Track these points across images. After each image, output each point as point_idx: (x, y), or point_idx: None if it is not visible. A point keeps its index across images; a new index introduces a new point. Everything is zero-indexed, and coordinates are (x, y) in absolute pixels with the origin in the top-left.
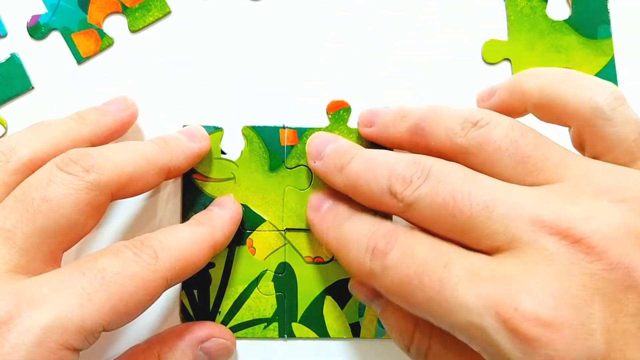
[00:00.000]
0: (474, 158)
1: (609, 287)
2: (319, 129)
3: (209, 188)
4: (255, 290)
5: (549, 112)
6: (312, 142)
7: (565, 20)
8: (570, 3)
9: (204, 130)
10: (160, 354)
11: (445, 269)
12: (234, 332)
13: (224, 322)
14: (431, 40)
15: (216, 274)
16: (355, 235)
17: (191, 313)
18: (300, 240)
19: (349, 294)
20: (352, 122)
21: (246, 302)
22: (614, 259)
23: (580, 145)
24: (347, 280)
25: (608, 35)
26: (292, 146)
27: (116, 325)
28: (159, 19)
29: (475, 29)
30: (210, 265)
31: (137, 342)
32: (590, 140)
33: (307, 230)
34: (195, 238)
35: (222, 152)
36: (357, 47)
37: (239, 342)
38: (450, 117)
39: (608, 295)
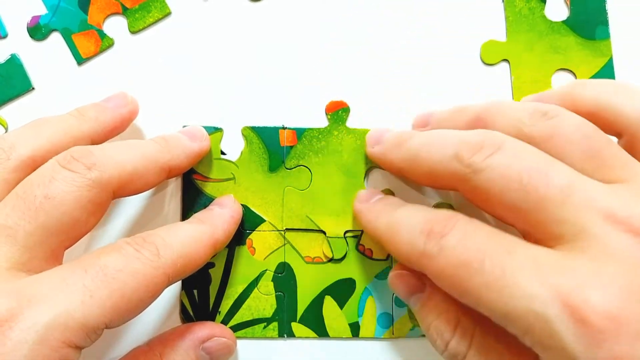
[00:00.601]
0: (543, 146)
1: None
2: (318, 129)
3: (208, 188)
4: (255, 290)
5: (602, 121)
6: (371, 132)
7: (563, 21)
8: (569, 4)
9: (204, 130)
10: (162, 355)
11: (508, 255)
12: (234, 332)
13: (224, 322)
14: (430, 40)
15: (216, 274)
16: (409, 219)
17: (191, 313)
18: (299, 240)
19: (348, 294)
20: (351, 122)
21: (246, 302)
22: None
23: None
24: (346, 280)
25: (606, 36)
26: (292, 147)
27: (118, 322)
28: (159, 19)
29: (475, 30)
30: (210, 265)
31: (138, 342)
32: None
33: (307, 230)
34: (196, 236)
35: (222, 153)
36: (356, 48)
37: (238, 342)
38: (516, 108)
39: None
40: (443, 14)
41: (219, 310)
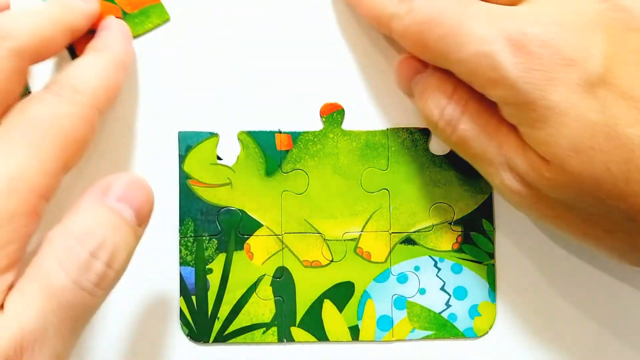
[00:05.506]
0: None
1: (614, 24)
2: (313, 133)
3: (205, 194)
4: (254, 295)
5: None
6: None
7: (445, 156)
8: None
9: None
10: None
11: (466, 7)
12: (233, 338)
13: (223, 328)
14: None
15: (214, 280)
16: None
17: (190, 319)
18: (298, 244)
19: (347, 297)
20: (346, 125)
21: (245, 307)
22: (620, 2)
23: None
24: (345, 284)
25: None
26: (287, 151)
27: (71, 163)
28: (157, 26)
29: None
30: (209, 271)
31: (135, 345)
32: None
33: (305, 233)
34: (103, 65)
35: (219, 158)
36: (350, 49)
37: (238, 348)
38: None
39: (611, 31)
40: None
41: (218, 316)
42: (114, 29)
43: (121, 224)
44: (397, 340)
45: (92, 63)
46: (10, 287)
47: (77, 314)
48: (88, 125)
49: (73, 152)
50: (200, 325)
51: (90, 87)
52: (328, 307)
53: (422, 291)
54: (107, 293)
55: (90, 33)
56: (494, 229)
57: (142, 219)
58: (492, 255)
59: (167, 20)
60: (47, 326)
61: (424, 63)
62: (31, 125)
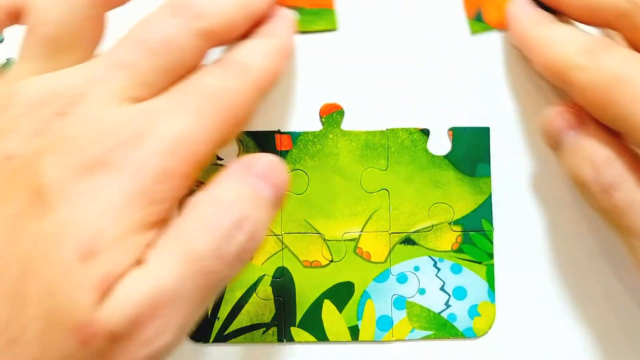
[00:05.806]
0: None
1: None
2: (313, 133)
3: None
4: (254, 295)
5: None
6: None
7: (444, 156)
8: (452, 139)
9: None
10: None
11: None
12: (232, 338)
13: (223, 328)
14: (427, 42)
15: None
16: (568, 34)
17: None
18: (297, 245)
19: (347, 297)
20: (346, 125)
21: (245, 308)
22: None
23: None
24: (345, 284)
25: (487, 173)
26: (287, 151)
27: (228, 138)
28: (322, 30)
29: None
30: None
31: None
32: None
33: (305, 233)
34: (271, 50)
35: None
36: (349, 50)
37: (237, 348)
38: None
39: None
40: (439, 13)
41: (218, 315)
42: (283, 18)
43: (261, 201)
44: (396, 340)
45: (261, 46)
46: (150, 246)
47: (212, 283)
48: (250, 104)
49: (232, 127)
50: (200, 325)
51: (257, 68)
52: (328, 307)
53: (421, 291)
54: (241, 267)
55: None
56: (493, 229)
57: (277, 201)
58: (491, 256)
59: (334, 29)
60: (183, 290)
61: (581, 119)
62: (199, 94)
